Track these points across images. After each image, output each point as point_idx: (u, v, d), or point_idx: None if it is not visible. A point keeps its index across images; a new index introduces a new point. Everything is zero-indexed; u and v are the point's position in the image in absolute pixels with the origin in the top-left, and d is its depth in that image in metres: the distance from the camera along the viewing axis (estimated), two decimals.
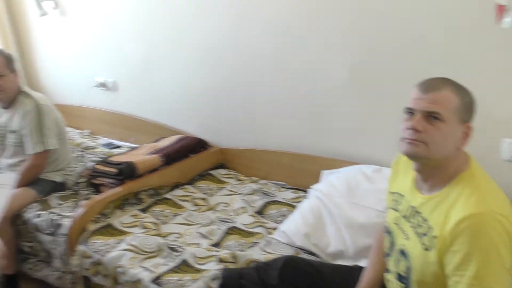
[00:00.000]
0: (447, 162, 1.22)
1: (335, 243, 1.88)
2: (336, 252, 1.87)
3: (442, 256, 1.14)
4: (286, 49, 2.39)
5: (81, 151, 3.21)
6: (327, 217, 1.97)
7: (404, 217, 1.32)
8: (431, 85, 1.20)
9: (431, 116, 1.18)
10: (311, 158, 2.43)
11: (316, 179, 2.28)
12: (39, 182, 2.54)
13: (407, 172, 1.37)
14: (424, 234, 1.21)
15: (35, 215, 2.35)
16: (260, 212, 2.29)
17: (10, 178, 1.11)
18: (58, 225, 2.23)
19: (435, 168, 1.23)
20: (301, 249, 1.95)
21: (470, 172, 1.20)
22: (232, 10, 2.53)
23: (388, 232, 1.41)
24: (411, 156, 1.24)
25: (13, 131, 2.55)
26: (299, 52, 2.34)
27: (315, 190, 2.13)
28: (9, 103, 2.55)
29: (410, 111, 1.22)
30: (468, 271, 1.08)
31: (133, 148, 2.85)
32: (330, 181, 2.14)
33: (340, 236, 1.89)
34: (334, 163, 2.31)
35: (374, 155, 2.20)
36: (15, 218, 2.41)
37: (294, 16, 2.31)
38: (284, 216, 2.21)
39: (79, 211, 2.18)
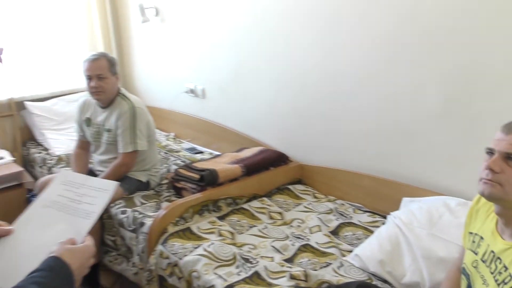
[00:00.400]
0: None
1: (411, 274, 1.83)
2: (411, 283, 1.82)
3: None
4: (377, 71, 2.36)
5: (165, 153, 3.36)
6: (405, 246, 1.91)
7: (483, 261, 1.27)
8: None
9: (510, 158, 1.15)
10: (392, 183, 2.37)
11: (395, 205, 2.23)
12: (125, 180, 2.69)
13: (489, 213, 1.32)
14: (504, 282, 1.15)
15: (120, 211, 2.49)
16: (334, 232, 2.28)
17: (113, 185, 1.19)
18: (141, 224, 2.35)
19: None
20: (374, 275, 1.92)
21: None
22: (325, 31, 2.54)
23: (465, 274, 1.36)
24: (486, 196, 1.21)
25: (108, 130, 2.72)
26: (391, 75, 2.30)
27: (395, 217, 2.08)
28: (108, 104, 2.72)
29: (490, 151, 1.21)
30: None
31: (215, 156, 2.93)
32: (411, 210, 2.08)
33: (417, 268, 1.83)
34: (417, 191, 2.24)
35: (461, 188, 2.10)
36: (102, 212, 2.57)
37: (387, 41, 2.27)
38: (359, 239, 2.19)
39: (161, 212, 2.28)
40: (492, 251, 1.25)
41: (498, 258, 1.21)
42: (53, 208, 1.12)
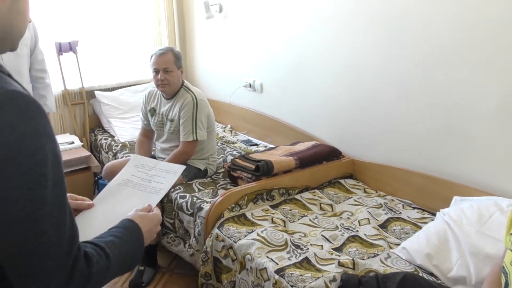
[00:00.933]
0: None
1: (458, 269, 1.88)
2: (457, 277, 1.87)
3: None
4: (433, 73, 2.40)
5: (222, 144, 3.51)
6: (453, 242, 1.96)
7: None
8: None
9: None
10: (443, 182, 2.41)
11: (445, 203, 2.26)
12: (185, 167, 2.85)
13: None
14: None
15: (179, 196, 2.66)
16: (383, 226, 2.34)
17: (181, 168, 1.35)
18: (199, 208, 2.50)
19: None
20: (420, 268, 1.98)
21: None
22: (385, 35, 2.60)
23: (504, 272, 1.41)
24: None
25: (171, 120, 2.89)
26: (448, 74, 2.33)
27: (444, 214, 2.12)
28: (172, 95, 2.90)
29: None
30: None
31: (270, 148, 3.06)
32: (461, 208, 2.11)
33: (464, 263, 1.88)
34: (468, 191, 2.27)
35: None
36: (167, 192, 2.74)
37: (444, 39, 2.31)
38: (407, 234, 2.25)
39: (218, 198, 2.43)
40: None
41: None
42: (127, 186, 1.29)
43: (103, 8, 3.91)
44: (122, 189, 1.27)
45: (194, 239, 2.52)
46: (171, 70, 2.81)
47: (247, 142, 3.59)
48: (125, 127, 3.78)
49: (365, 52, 2.73)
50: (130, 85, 4.10)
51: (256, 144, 3.54)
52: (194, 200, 2.58)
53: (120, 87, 4.06)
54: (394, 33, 2.54)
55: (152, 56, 2.86)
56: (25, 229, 0.73)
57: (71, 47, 3.71)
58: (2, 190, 0.71)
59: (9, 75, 0.80)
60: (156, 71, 2.83)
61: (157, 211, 1.12)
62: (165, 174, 1.30)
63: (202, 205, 2.51)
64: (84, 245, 0.83)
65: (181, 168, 1.36)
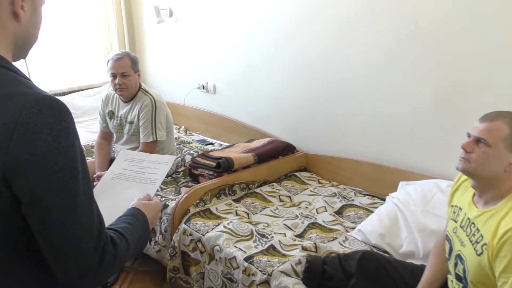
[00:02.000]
0: (497, 181, 1.44)
1: (407, 245, 2.11)
2: (407, 252, 2.10)
3: (492, 261, 1.37)
4: (376, 69, 2.63)
5: (178, 144, 3.61)
6: (402, 221, 2.20)
7: (461, 227, 1.56)
8: (487, 116, 1.47)
9: (479, 141, 1.44)
10: (390, 169, 2.65)
11: (393, 189, 2.49)
12: (176, 157, 2.92)
13: (467, 188, 1.61)
14: (477, 242, 1.43)
15: None
16: (338, 213, 2.55)
17: (172, 158, 1.47)
18: (165, 206, 2.60)
19: (486, 185, 1.47)
20: (375, 247, 2.19)
21: None
22: (328, 30, 2.81)
23: (448, 239, 1.65)
24: (460, 170, 1.51)
25: (130, 122, 2.96)
26: (389, 74, 2.58)
27: (393, 198, 2.35)
28: (130, 98, 2.96)
29: (468, 135, 1.49)
30: None
31: (228, 146, 3.20)
32: (407, 191, 2.35)
33: (412, 239, 2.11)
34: (412, 176, 2.52)
35: (450, 172, 2.37)
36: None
37: (387, 42, 2.55)
38: (361, 218, 2.46)
39: (184, 194, 2.54)
40: (468, 218, 1.53)
41: (473, 223, 1.49)
42: (120, 179, 1.39)
43: (52, 14, 3.90)
44: (116, 182, 1.37)
45: (160, 235, 2.61)
46: (128, 74, 2.85)
47: (202, 141, 3.71)
48: (80, 131, 3.74)
49: (313, 53, 2.93)
50: (82, 90, 4.12)
51: (211, 143, 3.66)
52: (159, 199, 2.66)
53: (72, 92, 4.06)
54: (341, 36, 2.76)
55: (108, 61, 2.90)
56: (64, 217, 0.84)
57: None
58: (45, 182, 0.82)
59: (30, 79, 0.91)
60: (114, 76, 2.86)
61: (156, 199, 1.24)
62: (157, 165, 1.41)
63: (167, 203, 2.61)
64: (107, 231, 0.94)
65: (172, 158, 1.47)
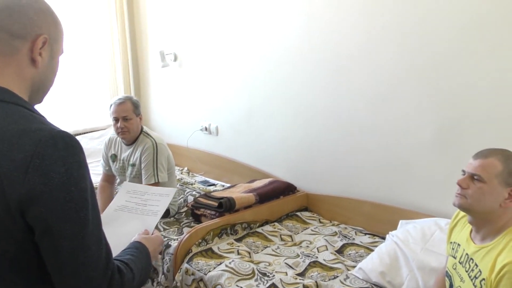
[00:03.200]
0: (493, 217, 1.49)
1: (408, 283, 2.12)
2: None
3: None
4: (377, 107, 2.69)
5: (181, 185, 3.65)
6: (402, 259, 2.21)
7: (460, 262, 1.59)
8: (481, 153, 1.53)
9: (474, 177, 1.50)
10: (390, 208, 2.68)
11: (393, 227, 2.51)
12: (176, 189, 2.94)
13: (464, 225, 1.65)
14: (476, 277, 1.47)
15: None
16: (339, 251, 2.56)
17: (173, 191, 1.52)
18: (167, 245, 2.63)
19: (483, 220, 1.52)
20: (376, 285, 2.20)
21: None
22: (328, 70, 2.90)
23: (448, 276, 1.68)
24: (456, 206, 1.56)
25: (132, 164, 3.02)
26: (390, 111, 2.64)
27: (393, 236, 2.38)
28: (132, 141, 3.03)
29: (463, 172, 1.56)
30: None
31: (230, 186, 3.24)
32: (407, 229, 2.38)
33: (413, 277, 2.12)
34: (412, 215, 2.54)
35: (449, 210, 2.40)
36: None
37: (387, 79, 2.63)
38: (362, 256, 2.47)
39: (186, 234, 2.57)
40: (467, 254, 1.56)
41: (471, 258, 1.53)
42: (123, 211, 1.43)
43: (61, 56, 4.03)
44: (119, 215, 1.41)
45: (163, 276, 2.62)
46: (130, 118, 2.92)
47: (205, 182, 3.76)
48: None
49: (314, 94, 3.01)
50: (87, 132, 4.20)
51: (213, 184, 3.71)
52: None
53: (77, 134, 4.14)
54: (340, 76, 2.85)
55: (111, 106, 2.97)
56: (74, 245, 0.89)
57: None
58: (57, 211, 0.87)
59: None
60: (116, 120, 2.93)
61: (157, 233, 1.28)
62: (159, 197, 1.46)
63: (169, 242, 2.63)
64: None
65: (172, 191, 1.52)
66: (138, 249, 1.14)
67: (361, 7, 2.66)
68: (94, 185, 3.24)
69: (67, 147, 0.89)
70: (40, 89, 1.03)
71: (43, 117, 0.96)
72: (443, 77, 2.39)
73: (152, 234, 1.28)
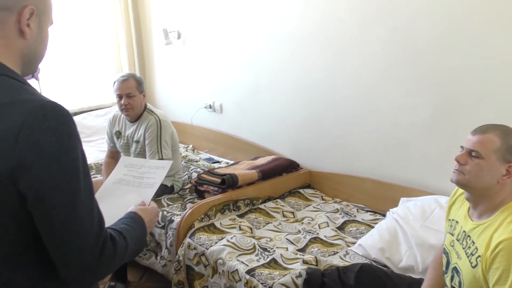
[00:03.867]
0: (491, 194, 1.49)
1: (407, 259, 2.14)
2: (407, 266, 2.13)
3: (485, 273, 1.41)
4: (376, 87, 2.70)
5: (185, 162, 3.68)
6: (402, 236, 2.23)
7: (458, 240, 1.60)
8: (480, 129, 1.52)
9: (472, 153, 1.49)
10: (391, 186, 2.69)
11: (394, 205, 2.53)
12: (172, 162, 2.98)
13: (462, 202, 1.65)
14: (472, 254, 1.48)
15: None
16: (340, 228, 2.59)
17: (168, 163, 1.54)
18: (170, 220, 2.67)
19: (480, 197, 1.52)
20: (375, 261, 2.23)
21: None
22: (329, 51, 2.90)
23: (445, 253, 1.69)
24: (454, 182, 1.55)
25: (136, 141, 3.04)
26: (388, 91, 2.65)
27: (393, 213, 2.40)
28: (136, 118, 3.05)
29: (462, 148, 1.55)
30: (507, 285, 1.34)
31: (233, 163, 3.27)
32: (407, 206, 2.39)
33: (411, 253, 2.14)
34: (412, 192, 2.56)
35: (450, 188, 2.40)
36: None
37: (384, 61, 2.63)
38: (362, 233, 2.49)
39: (189, 209, 2.61)
40: (464, 231, 1.57)
41: (468, 235, 1.54)
42: (121, 184, 1.46)
43: (63, 36, 4.04)
44: (117, 187, 1.44)
45: (166, 250, 2.67)
46: (133, 95, 2.94)
47: (209, 160, 3.78)
48: (90, 150, 3.88)
49: (316, 73, 3.01)
50: (92, 110, 4.23)
51: (218, 162, 3.73)
52: (165, 214, 2.74)
53: (83, 112, 4.18)
54: (342, 57, 2.85)
55: (114, 83, 2.99)
56: (66, 213, 0.91)
57: (33, 74, 3.79)
58: (49, 181, 0.89)
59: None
60: (120, 97, 2.95)
61: (153, 204, 1.31)
62: (155, 170, 1.48)
63: (172, 218, 2.67)
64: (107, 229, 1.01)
65: (168, 163, 1.54)
66: (133, 219, 1.16)
67: None
68: (99, 162, 3.29)
69: (57, 117, 0.90)
70: (31, 60, 1.04)
71: (33, 88, 0.98)
72: (439, 58, 2.40)
73: (148, 206, 1.30)
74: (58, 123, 0.90)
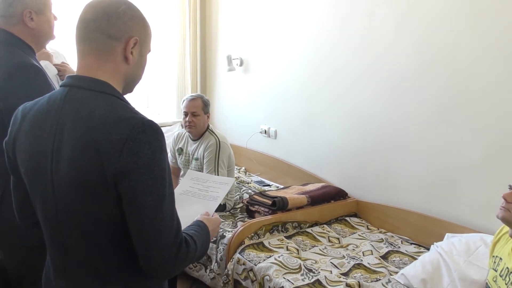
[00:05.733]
0: None
1: None
2: None
3: None
4: (429, 126, 2.80)
5: (238, 183, 3.86)
6: (445, 269, 2.30)
7: (501, 275, 1.67)
8: None
9: None
10: (437, 221, 2.76)
11: (439, 239, 2.58)
12: (235, 179, 3.16)
13: (508, 240, 1.73)
14: None
15: None
16: (384, 257, 2.67)
17: (232, 180, 1.69)
18: (222, 236, 2.83)
19: None
20: None
21: None
22: (388, 86, 3.02)
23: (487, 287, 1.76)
24: (499, 218, 1.64)
25: (196, 158, 3.26)
26: (440, 130, 2.74)
27: (437, 246, 2.46)
28: (198, 137, 3.28)
29: (510, 187, 1.65)
30: None
31: (284, 187, 3.42)
32: (452, 241, 2.46)
33: (453, 287, 2.20)
34: (458, 229, 2.61)
35: (495, 227, 2.46)
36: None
37: (439, 101, 2.73)
38: (405, 264, 2.57)
39: (240, 227, 2.77)
40: (507, 267, 1.65)
41: (511, 272, 1.61)
42: (187, 195, 1.62)
43: None
44: (184, 198, 1.60)
45: (216, 263, 2.83)
46: (198, 114, 3.18)
47: (260, 182, 3.95)
48: None
49: (371, 109, 3.14)
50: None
51: (268, 185, 3.89)
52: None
53: None
54: (398, 95, 2.97)
55: (183, 101, 3.25)
56: (154, 214, 1.08)
57: None
58: (142, 185, 1.06)
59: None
60: (186, 114, 3.20)
61: (216, 216, 1.47)
62: (219, 185, 1.64)
63: (224, 234, 2.84)
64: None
65: (231, 180, 1.70)
66: (200, 226, 1.32)
67: (423, 25, 2.77)
68: None
69: (153, 133, 1.08)
70: (131, 82, 1.24)
71: (133, 107, 1.17)
72: (495, 100, 2.47)
73: (212, 216, 1.46)
74: (154, 138, 1.08)
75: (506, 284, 1.62)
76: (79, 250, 1.17)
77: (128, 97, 1.23)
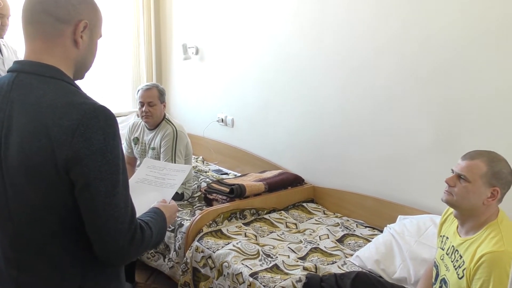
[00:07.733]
0: (477, 213, 1.66)
1: (400, 271, 2.29)
2: (400, 278, 2.28)
3: (469, 283, 1.58)
4: (381, 110, 2.87)
5: (195, 172, 3.85)
6: (397, 249, 2.38)
7: (447, 254, 1.77)
8: (469, 155, 1.70)
9: (461, 177, 1.66)
10: (390, 204, 2.85)
11: (392, 222, 2.66)
12: (191, 166, 3.14)
13: (452, 220, 1.82)
14: (459, 267, 1.64)
15: None
16: (340, 241, 2.74)
17: (189, 167, 1.69)
18: (180, 225, 2.83)
19: (467, 216, 1.69)
20: (370, 272, 2.37)
21: (497, 221, 1.65)
22: (339, 74, 3.08)
23: (435, 266, 1.85)
24: (444, 202, 1.73)
25: (153, 148, 3.22)
26: (392, 115, 2.82)
27: (390, 228, 2.55)
28: (155, 126, 3.24)
29: (452, 171, 1.73)
30: None
31: (241, 175, 3.44)
32: (404, 223, 2.55)
33: (405, 266, 2.29)
34: (409, 211, 2.71)
35: (444, 207, 2.57)
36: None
37: (390, 86, 2.80)
38: (360, 246, 2.64)
39: (198, 215, 2.77)
40: (453, 246, 1.74)
41: (456, 250, 1.70)
42: (144, 183, 1.61)
43: None
44: (140, 186, 1.59)
45: (174, 252, 2.82)
46: (154, 104, 3.14)
47: (218, 171, 3.95)
48: None
49: (325, 94, 3.19)
50: None
51: (226, 173, 3.90)
52: (175, 219, 2.89)
53: None
54: (350, 80, 3.02)
55: (138, 91, 3.20)
56: (107, 201, 1.07)
57: None
58: (95, 172, 1.05)
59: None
60: (141, 104, 3.15)
61: (173, 203, 1.47)
62: (176, 173, 1.64)
63: (182, 222, 2.84)
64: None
65: (188, 167, 1.70)
66: (156, 213, 1.32)
67: (373, 11, 2.83)
68: None
69: (106, 119, 1.07)
70: (82, 68, 1.21)
71: (85, 93, 1.15)
72: (443, 85, 2.56)
73: (169, 203, 1.46)
74: (106, 124, 1.07)
75: (452, 261, 1.70)
76: (32, 240, 1.14)
77: (80, 87, 1.20)
